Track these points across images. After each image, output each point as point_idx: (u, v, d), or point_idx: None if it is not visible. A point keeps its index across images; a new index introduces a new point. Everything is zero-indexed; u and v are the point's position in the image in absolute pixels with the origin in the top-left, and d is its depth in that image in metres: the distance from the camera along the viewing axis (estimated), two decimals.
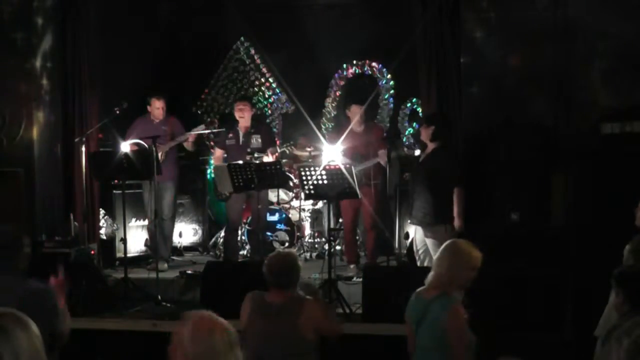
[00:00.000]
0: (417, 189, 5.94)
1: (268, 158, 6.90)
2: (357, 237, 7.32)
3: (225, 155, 7.21)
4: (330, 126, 8.88)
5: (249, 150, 6.95)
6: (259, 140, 7.02)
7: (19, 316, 1.85)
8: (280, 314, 3.61)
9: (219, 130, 7.59)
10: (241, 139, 7.08)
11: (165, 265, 7.11)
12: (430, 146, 5.96)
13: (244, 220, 7.55)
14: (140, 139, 6.65)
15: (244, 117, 7.04)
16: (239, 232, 7.42)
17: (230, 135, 7.14)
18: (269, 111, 9.19)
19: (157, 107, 7.23)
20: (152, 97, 7.23)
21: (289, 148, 6.91)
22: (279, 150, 7.02)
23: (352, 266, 6.98)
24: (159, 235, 7.11)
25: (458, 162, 6.03)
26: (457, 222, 5.70)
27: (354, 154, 6.86)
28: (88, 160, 6.78)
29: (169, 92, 7.47)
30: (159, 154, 7.10)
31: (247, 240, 7.59)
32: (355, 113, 6.92)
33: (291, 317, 3.59)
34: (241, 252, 7.49)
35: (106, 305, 5.96)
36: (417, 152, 6.69)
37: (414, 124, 8.57)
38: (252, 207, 6.99)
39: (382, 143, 6.82)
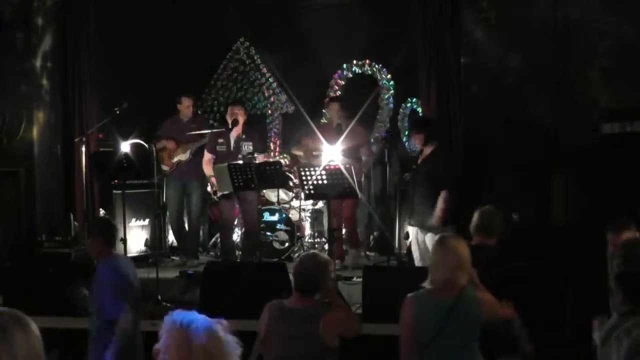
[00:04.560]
0: (417, 192, 5.94)
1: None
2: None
3: (215, 160, 6.99)
4: None
5: (240, 157, 6.82)
6: (250, 147, 6.89)
7: (18, 316, 1.83)
8: (301, 320, 3.51)
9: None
10: (232, 145, 6.93)
11: (195, 261, 7.28)
12: (427, 149, 5.98)
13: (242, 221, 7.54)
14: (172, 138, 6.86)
15: (237, 122, 6.89)
16: (235, 233, 7.40)
17: (221, 140, 6.96)
18: (269, 111, 9.18)
19: (187, 106, 7.33)
20: (182, 95, 7.32)
21: (285, 158, 6.89)
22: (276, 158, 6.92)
23: (336, 261, 6.74)
24: (187, 232, 7.40)
25: (455, 164, 6.03)
26: (436, 222, 5.69)
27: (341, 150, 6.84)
28: (88, 160, 6.78)
29: (168, 92, 7.46)
30: (186, 153, 7.11)
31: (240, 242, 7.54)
32: (333, 110, 7.05)
33: (312, 323, 3.49)
34: (237, 253, 7.46)
35: None
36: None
37: None
38: (240, 208, 7.00)
39: (364, 139, 6.97)
